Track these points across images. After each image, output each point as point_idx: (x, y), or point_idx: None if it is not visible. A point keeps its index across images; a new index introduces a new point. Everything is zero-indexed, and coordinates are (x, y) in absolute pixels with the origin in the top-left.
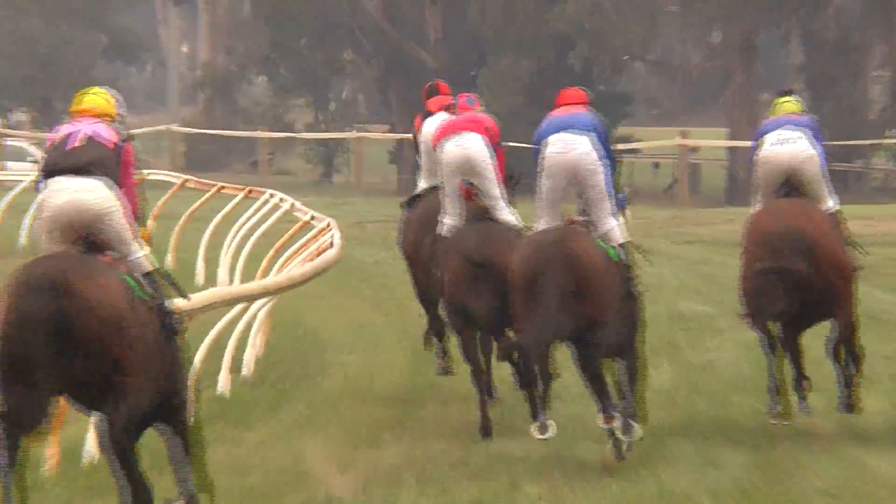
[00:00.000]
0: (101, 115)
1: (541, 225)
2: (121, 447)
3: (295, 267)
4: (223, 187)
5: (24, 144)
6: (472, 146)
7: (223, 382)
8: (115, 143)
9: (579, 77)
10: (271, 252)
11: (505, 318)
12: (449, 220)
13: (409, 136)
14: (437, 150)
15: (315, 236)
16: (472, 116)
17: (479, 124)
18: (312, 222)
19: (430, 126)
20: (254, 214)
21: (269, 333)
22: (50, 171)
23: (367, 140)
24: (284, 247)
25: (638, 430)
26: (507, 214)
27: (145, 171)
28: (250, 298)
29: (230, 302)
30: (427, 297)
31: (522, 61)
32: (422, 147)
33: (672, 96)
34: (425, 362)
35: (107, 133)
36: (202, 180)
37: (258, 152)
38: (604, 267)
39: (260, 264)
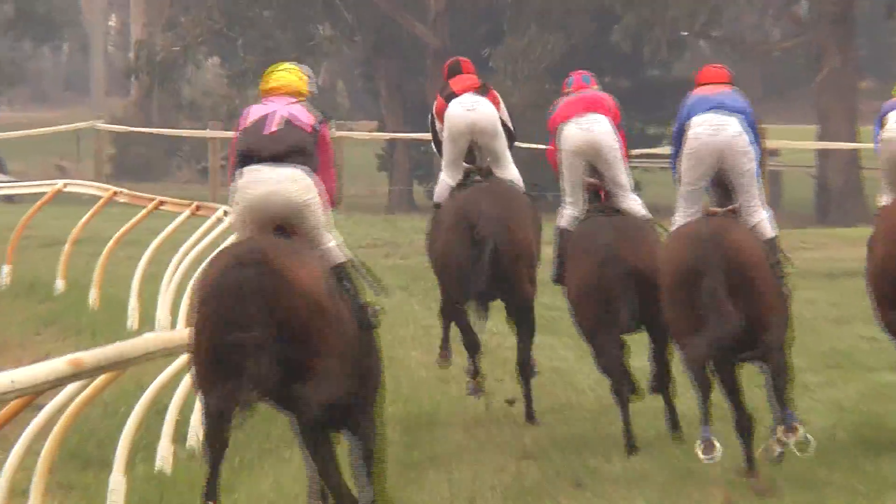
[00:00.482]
0: (293, 94)
1: (678, 217)
2: (312, 440)
3: None
4: (163, 202)
5: None
6: (597, 129)
7: (163, 455)
8: (313, 126)
9: (625, 58)
10: None
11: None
12: (570, 210)
13: (416, 135)
14: (556, 135)
15: None
16: (593, 96)
17: (602, 104)
18: None
19: (458, 109)
20: (203, 237)
21: None
22: (247, 158)
23: (349, 141)
24: None
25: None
26: (634, 203)
27: (61, 182)
28: None
29: (173, 351)
30: (454, 309)
31: (549, 37)
32: (445, 134)
33: (746, 84)
34: (423, 434)
35: (303, 115)
36: (136, 193)
37: (209, 156)
38: (765, 262)
39: None
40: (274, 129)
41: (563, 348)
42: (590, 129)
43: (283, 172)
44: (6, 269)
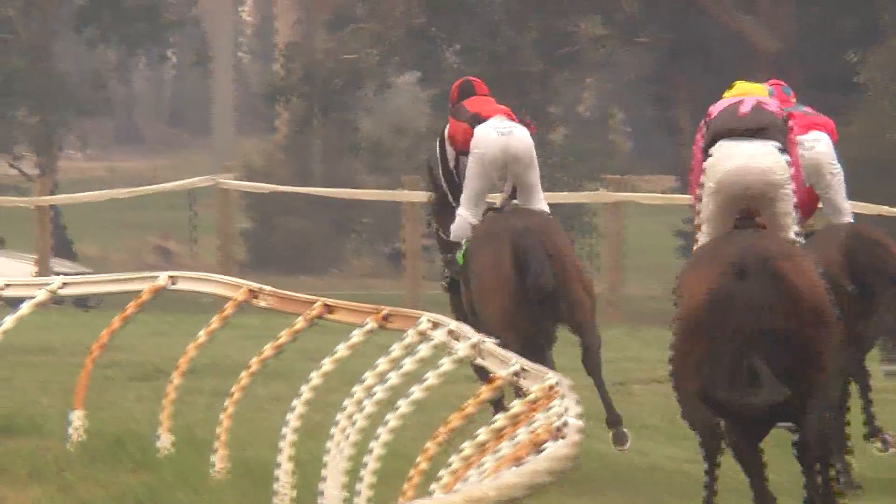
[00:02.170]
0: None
1: None
2: (822, 454)
3: (486, 469)
4: (330, 307)
5: None
6: (821, 148)
7: None
8: (783, 115)
9: None
10: (437, 439)
11: None
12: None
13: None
14: None
15: (527, 411)
16: (810, 113)
17: (822, 122)
18: (519, 381)
19: (490, 133)
20: (396, 364)
21: None
22: (716, 136)
23: (631, 207)
24: (463, 427)
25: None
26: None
27: (164, 275)
28: None
29: None
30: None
31: None
32: (474, 162)
33: None
34: None
35: (772, 103)
36: (286, 293)
37: (403, 232)
38: None
39: (410, 468)
40: (746, 111)
41: None
42: (812, 149)
43: (757, 147)
44: (77, 415)
